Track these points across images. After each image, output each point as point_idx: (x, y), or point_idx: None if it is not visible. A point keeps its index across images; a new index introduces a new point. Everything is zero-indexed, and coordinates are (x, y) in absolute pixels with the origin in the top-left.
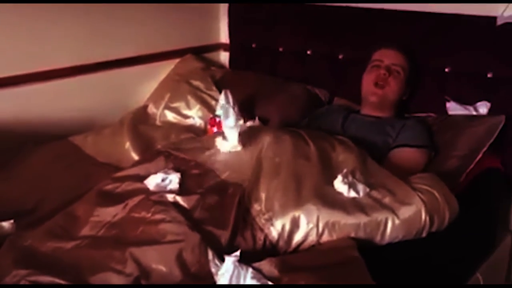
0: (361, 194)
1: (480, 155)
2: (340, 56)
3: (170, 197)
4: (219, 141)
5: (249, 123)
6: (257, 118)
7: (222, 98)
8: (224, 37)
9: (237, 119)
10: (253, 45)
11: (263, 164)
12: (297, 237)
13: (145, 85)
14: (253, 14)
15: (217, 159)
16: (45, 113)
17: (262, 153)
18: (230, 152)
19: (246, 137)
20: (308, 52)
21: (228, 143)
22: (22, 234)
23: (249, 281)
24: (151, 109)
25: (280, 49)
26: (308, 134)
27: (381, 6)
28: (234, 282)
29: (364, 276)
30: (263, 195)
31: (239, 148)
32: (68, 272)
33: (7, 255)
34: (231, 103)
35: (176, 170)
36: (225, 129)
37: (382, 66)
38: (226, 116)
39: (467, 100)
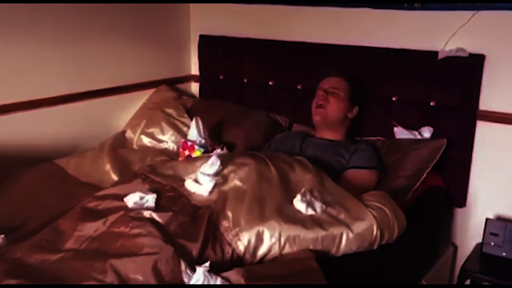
0: (318, 211)
1: (424, 175)
2: (299, 87)
3: (146, 213)
4: (189, 182)
5: (218, 151)
6: (225, 147)
7: (193, 124)
8: (194, 69)
9: (217, 173)
10: (221, 77)
11: (230, 189)
12: (262, 250)
13: (123, 112)
14: (220, 49)
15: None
16: (33, 137)
17: (229, 180)
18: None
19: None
20: (270, 83)
21: (200, 187)
22: (12, 247)
23: None
24: (129, 134)
25: (245, 80)
26: (269, 158)
27: (334, 41)
28: None
29: (321, 283)
30: (230, 214)
31: (205, 194)
32: (53, 281)
33: None
34: (202, 133)
35: (153, 191)
36: (200, 173)
37: (321, 90)
38: (211, 164)
39: (412, 125)
